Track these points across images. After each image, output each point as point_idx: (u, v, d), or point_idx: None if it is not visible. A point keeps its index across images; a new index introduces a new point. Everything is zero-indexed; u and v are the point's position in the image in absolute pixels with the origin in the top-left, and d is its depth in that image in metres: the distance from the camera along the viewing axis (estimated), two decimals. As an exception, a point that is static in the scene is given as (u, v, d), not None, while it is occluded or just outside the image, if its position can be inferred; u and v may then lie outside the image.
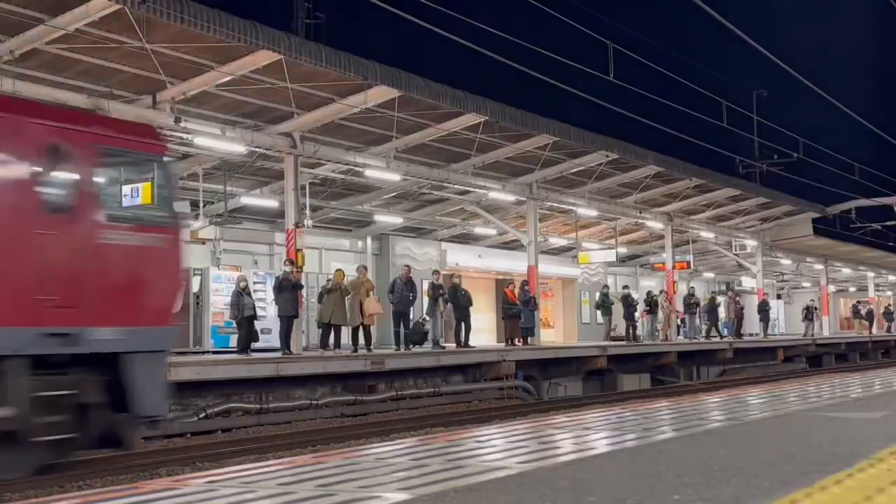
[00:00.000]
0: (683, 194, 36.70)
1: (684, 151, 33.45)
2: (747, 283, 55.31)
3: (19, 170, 11.02)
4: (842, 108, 25.40)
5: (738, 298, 41.40)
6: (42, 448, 11.00)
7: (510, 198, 30.83)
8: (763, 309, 44.35)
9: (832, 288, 61.68)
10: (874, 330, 57.39)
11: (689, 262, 40.59)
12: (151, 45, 17.73)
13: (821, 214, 45.93)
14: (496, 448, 7.58)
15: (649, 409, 11.15)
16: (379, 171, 25.78)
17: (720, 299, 41.58)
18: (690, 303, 39.30)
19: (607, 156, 29.74)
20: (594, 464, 6.45)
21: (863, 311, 58.23)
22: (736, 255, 46.21)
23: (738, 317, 40.24)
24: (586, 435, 8.37)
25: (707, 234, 42.23)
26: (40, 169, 11.11)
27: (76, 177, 11.40)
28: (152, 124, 16.50)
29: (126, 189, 11.94)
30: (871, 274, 63.69)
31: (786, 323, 60.64)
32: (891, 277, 67.81)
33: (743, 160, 43.66)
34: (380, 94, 21.99)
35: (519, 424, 10.19)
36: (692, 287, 42.38)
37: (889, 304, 66.73)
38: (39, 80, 18.64)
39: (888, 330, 59.79)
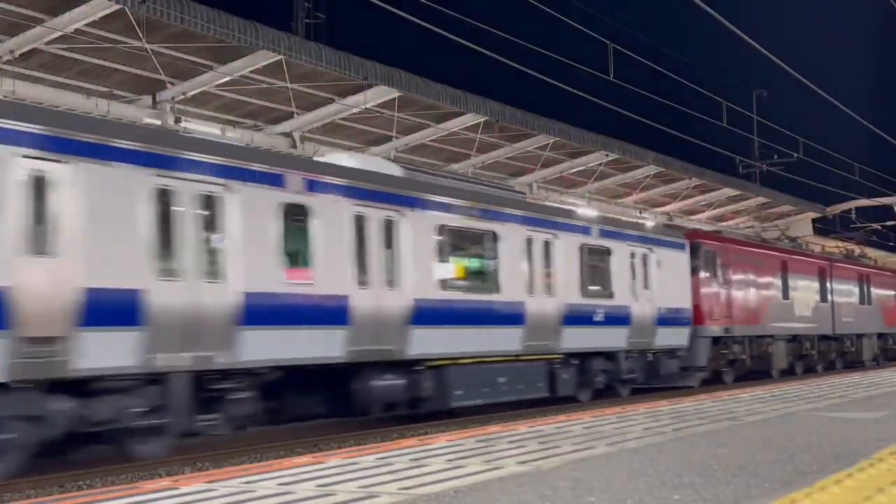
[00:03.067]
0: (683, 194, 36.70)
1: (684, 151, 33.42)
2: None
3: None
4: (842, 108, 25.40)
5: None
6: None
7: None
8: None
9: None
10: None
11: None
12: (151, 46, 17.71)
13: (821, 214, 45.88)
14: (496, 448, 7.58)
15: (650, 409, 11.15)
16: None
17: None
18: None
19: (607, 156, 29.74)
20: (594, 464, 6.44)
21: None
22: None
23: None
24: (587, 434, 8.36)
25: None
26: None
27: None
28: None
29: None
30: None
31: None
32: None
33: (743, 160, 43.53)
34: (380, 94, 21.99)
35: (519, 425, 10.19)
36: None
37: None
38: (39, 80, 18.63)
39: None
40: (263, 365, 13.32)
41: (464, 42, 17.21)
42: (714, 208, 40.06)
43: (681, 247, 23.95)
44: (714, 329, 25.03)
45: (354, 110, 22.38)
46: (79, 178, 11.23)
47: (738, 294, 26.49)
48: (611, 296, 20.81)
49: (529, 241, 18.57)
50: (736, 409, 10.86)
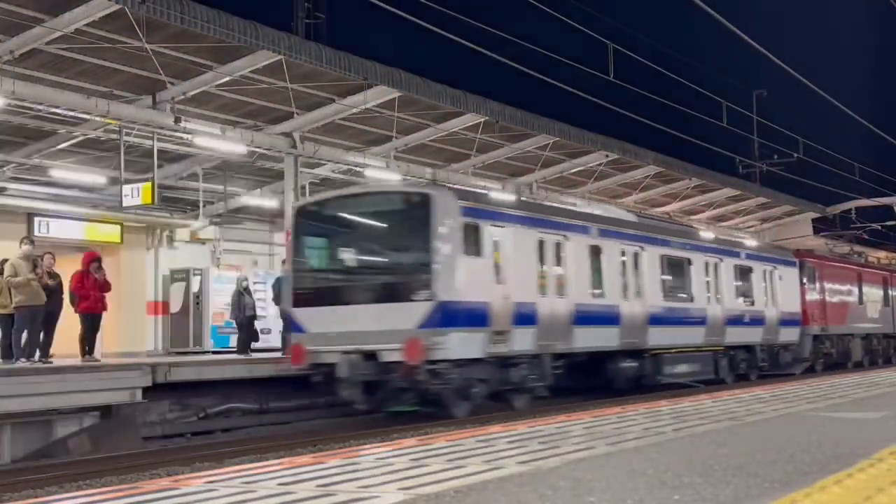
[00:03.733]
0: (683, 194, 36.71)
1: (684, 151, 33.46)
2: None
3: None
4: (842, 108, 25.40)
5: None
6: None
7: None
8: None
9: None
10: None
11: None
12: (151, 45, 17.72)
13: (821, 214, 45.87)
14: (496, 448, 7.57)
15: (650, 409, 11.14)
16: (379, 172, 25.73)
17: None
18: None
19: (607, 156, 29.74)
20: (594, 464, 6.44)
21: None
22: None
23: None
24: (587, 434, 8.36)
25: (707, 235, 42.19)
26: None
27: None
28: None
29: None
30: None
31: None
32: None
33: (743, 160, 43.51)
34: (380, 94, 21.99)
35: (519, 425, 10.18)
36: None
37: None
38: (39, 80, 18.63)
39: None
40: (583, 351, 19.83)
41: (464, 42, 17.23)
42: (714, 208, 40.08)
43: (793, 264, 30.65)
44: (815, 329, 31.50)
45: (354, 110, 22.39)
46: (509, 237, 17.80)
47: (830, 300, 33.12)
48: (753, 303, 27.41)
49: (706, 264, 25.12)
50: (736, 409, 10.86)
